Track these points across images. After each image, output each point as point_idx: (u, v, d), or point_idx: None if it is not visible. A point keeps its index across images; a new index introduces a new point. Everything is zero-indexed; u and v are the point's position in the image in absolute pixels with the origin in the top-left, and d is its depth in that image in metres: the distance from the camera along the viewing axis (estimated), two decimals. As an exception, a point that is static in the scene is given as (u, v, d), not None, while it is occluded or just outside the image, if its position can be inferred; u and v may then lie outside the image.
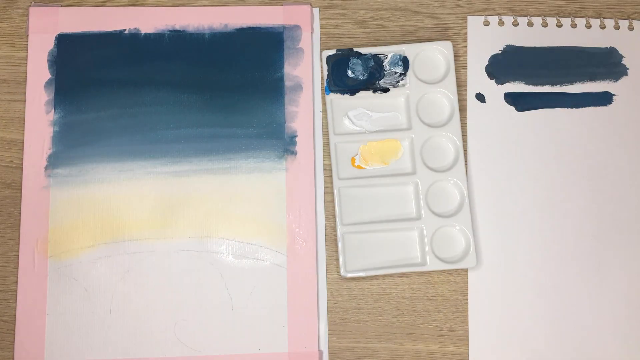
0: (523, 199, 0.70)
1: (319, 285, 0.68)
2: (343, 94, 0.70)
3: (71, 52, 0.71)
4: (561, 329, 0.68)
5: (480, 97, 0.72)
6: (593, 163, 0.71)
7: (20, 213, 0.68)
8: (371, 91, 0.70)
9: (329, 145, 0.70)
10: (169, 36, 0.71)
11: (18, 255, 0.67)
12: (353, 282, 0.69)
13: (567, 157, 0.71)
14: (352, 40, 0.73)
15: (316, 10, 0.73)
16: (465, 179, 0.69)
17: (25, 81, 0.70)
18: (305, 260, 0.68)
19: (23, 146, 0.69)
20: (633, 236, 0.70)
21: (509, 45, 0.73)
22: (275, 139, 0.70)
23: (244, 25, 0.72)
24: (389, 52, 0.71)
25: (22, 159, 0.69)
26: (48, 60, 0.70)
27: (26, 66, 0.70)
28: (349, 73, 0.70)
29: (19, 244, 0.67)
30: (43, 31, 0.71)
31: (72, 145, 0.69)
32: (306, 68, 0.71)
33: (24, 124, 0.69)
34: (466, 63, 0.72)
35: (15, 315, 0.66)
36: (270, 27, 0.72)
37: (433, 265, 0.67)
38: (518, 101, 0.72)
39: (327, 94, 0.70)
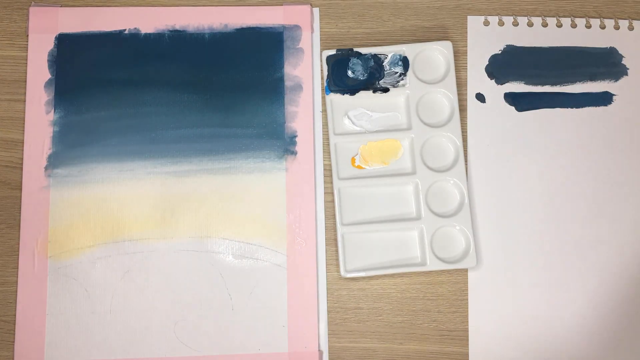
0: (523, 198, 0.70)
1: (319, 285, 0.68)
2: (343, 94, 0.70)
3: (71, 52, 0.71)
4: (561, 329, 0.68)
5: (480, 97, 0.72)
6: (593, 163, 0.71)
7: (20, 213, 0.68)
8: (371, 91, 0.70)
9: (329, 145, 0.70)
10: (169, 36, 0.71)
11: (18, 255, 0.67)
12: (353, 282, 0.69)
13: (567, 157, 0.71)
14: (352, 40, 0.73)
15: (316, 10, 0.73)
16: (465, 179, 0.69)
17: (25, 81, 0.70)
18: (305, 260, 0.68)
19: (23, 146, 0.69)
20: (633, 236, 0.70)
21: (509, 45, 0.73)
22: (275, 139, 0.70)
23: (244, 25, 0.72)
24: (389, 52, 0.71)
25: (22, 159, 0.69)
26: (48, 60, 0.70)
27: (26, 66, 0.70)
28: (349, 73, 0.70)
29: (19, 244, 0.67)
30: (43, 31, 0.71)
31: (72, 145, 0.69)
32: (306, 68, 0.71)
33: (24, 124, 0.69)
34: (466, 63, 0.72)
35: (15, 315, 0.66)
36: (270, 27, 0.72)
37: (433, 265, 0.67)
38: (518, 101, 0.72)
39: (327, 94, 0.70)
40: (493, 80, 0.72)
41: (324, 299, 0.68)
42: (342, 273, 0.67)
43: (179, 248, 0.68)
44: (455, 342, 0.68)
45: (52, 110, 0.69)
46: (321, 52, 0.71)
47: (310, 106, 0.70)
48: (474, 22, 0.73)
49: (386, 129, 0.71)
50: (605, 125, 0.71)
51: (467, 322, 0.68)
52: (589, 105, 0.72)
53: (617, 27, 0.73)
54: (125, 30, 0.71)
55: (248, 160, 0.69)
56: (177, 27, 0.71)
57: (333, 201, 0.69)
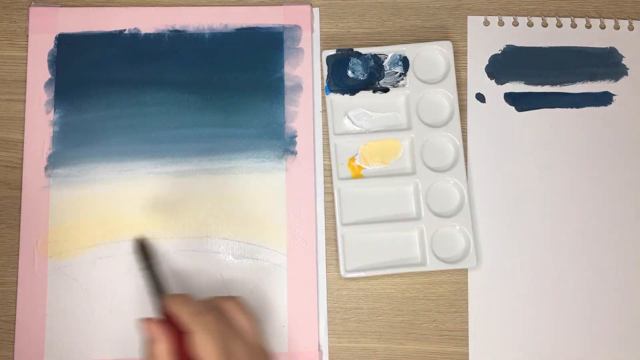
0: (523, 198, 0.70)
1: (319, 285, 0.68)
2: (343, 94, 0.70)
3: (71, 52, 0.71)
4: (561, 329, 0.68)
5: (480, 97, 0.72)
6: (593, 163, 0.71)
7: (20, 213, 0.68)
8: (371, 91, 0.70)
9: (329, 145, 0.70)
10: (169, 36, 0.71)
11: (18, 255, 0.67)
12: (353, 282, 0.69)
13: (567, 157, 0.71)
14: (352, 40, 0.73)
15: (316, 10, 0.73)
16: (465, 179, 0.69)
17: (25, 81, 0.70)
18: (305, 260, 0.68)
19: (23, 146, 0.69)
20: (633, 236, 0.70)
21: (509, 45, 0.73)
22: (275, 139, 0.70)
23: (244, 25, 0.72)
24: (389, 52, 0.71)
25: (22, 159, 0.69)
26: (48, 60, 0.70)
27: (26, 66, 0.70)
28: (349, 73, 0.70)
29: (19, 244, 0.67)
30: (43, 31, 0.71)
31: (72, 145, 0.69)
32: (306, 68, 0.71)
33: (24, 124, 0.69)
34: (466, 63, 0.72)
35: (15, 315, 0.66)
36: (270, 27, 0.72)
37: (433, 265, 0.67)
38: (518, 101, 0.72)
39: (327, 94, 0.70)
40: (493, 80, 0.72)
41: (324, 299, 0.68)
42: (342, 273, 0.67)
43: (179, 248, 0.68)
44: (455, 342, 0.68)
45: (52, 110, 0.69)
46: (321, 52, 0.71)
47: (310, 106, 0.70)
48: (474, 22, 0.73)
49: (386, 129, 0.71)
50: (605, 125, 0.71)
51: (467, 322, 0.68)
52: (589, 105, 0.72)
53: (617, 27, 0.73)
54: (125, 30, 0.71)
55: (248, 160, 0.69)
56: (177, 27, 0.71)
57: (333, 201, 0.69)
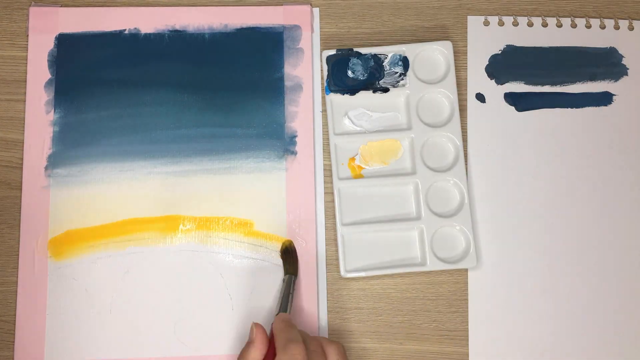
0: (523, 199, 0.70)
1: (319, 285, 0.68)
2: (343, 94, 0.70)
3: (71, 52, 0.71)
4: (561, 329, 0.68)
5: (480, 97, 0.72)
6: (593, 163, 0.71)
7: (20, 213, 0.68)
8: (371, 91, 0.70)
9: (329, 145, 0.70)
10: (169, 36, 0.71)
11: (18, 255, 0.67)
12: (353, 282, 0.69)
13: (567, 157, 0.71)
14: (352, 40, 0.73)
15: (316, 10, 0.73)
16: (465, 179, 0.69)
17: (25, 81, 0.70)
18: (305, 260, 0.68)
19: (23, 146, 0.69)
20: (634, 236, 0.70)
21: (509, 45, 0.73)
22: (275, 139, 0.70)
23: (244, 25, 0.72)
24: (389, 52, 0.71)
25: (22, 159, 0.69)
26: (48, 60, 0.70)
27: (26, 66, 0.70)
28: (349, 73, 0.70)
29: (19, 244, 0.67)
30: (43, 31, 0.71)
31: (72, 145, 0.69)
32: (306, 68, 0.71)
33: (24, 124, 0.69)
34: (466, 63, 0.72)
35: (15, 315, 0.66)
36: (270, 27, 0.72)
37: (433, 265, 0.67)
38: (518, 101, 0.72)
39: (327, 94, 0.70)
40: (493, 80, 0.72)
41: (324, 299, 0.68)
42: (342, 273, 0.67)
43: (179, 248, 0.68)
44: (455, 342, 0.68)
45: (52, 110, 0.69)
46: (321, 52, 0.71)
47: (310, 106, 0.70)
48: (474, 22, 0.73)
49: (386, 129, 0.71)
50: (605, 125, 0.71)
51: (467, 322, 0.68)
52: (589, 105, 0.72)
53: (617, 27, 0.73)
54: (125, 30, 0.71)
55: (248, 160, 0.69)
56: (177, 27, 0.71)
57: (333, 201, 0.69)
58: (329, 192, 0.70)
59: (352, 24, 0.73)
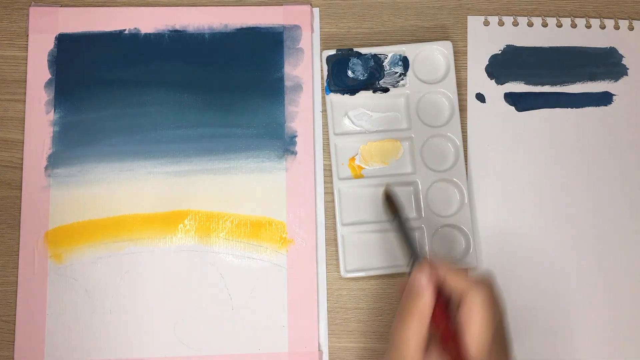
0: (523, 198, 0.70)
1: (319, 285, 0.68)
2: (343, 94, 0.70)
3: (71, 52, 0.71)
4: (561, 329, 0.68)
5: (480, 97, 0.72)
6: (593, 163, 0.71)
7: (20, 213, 0.68)
8: (371, 91, 0.70)
9: (329, 145, 0.70)
10: (169, 36, 0.71)
11: (18, 255, 0.67)
12: (353, 282, 0.69)
13: (567, 157, 0.71)
14: (352, 40, 0.73)
15: (316, 10, 0.73)
16: (465, 179, 0.69)
17: (25, 81, 0.70)
18: (305, 260, 0.68)
19: (23, 146, 0.69)
20: (633, 236, 0.70)
21: (509, 45, 0.73)
22: (275, 139, 0.70)
23: (244, 25, 0.72)
24: (389, 52, 0.71)
25: (22, 159, 0.69)
26: (48, 60, 0.70)
27: (26, 66, 0.70)
28: (349, 73, 0.70)
29: (19, 244, 0.67)
30: (43, 31, 0.71)
31: (72, 145, 0.69)
32: (306, 68, 0.71)
33: (24, 124, 0.69)
34: (466, 63, 0.72)
35: (15, 315, 0.66)
36: (270, 27, 0.72)
37: (433, 265, 0.67)
38: (518, 101, 0.72)
39: (327, 94, 0.70)
40: (493, 80, 0.72)
41: (324, 299, 0.68)
42: (342, 273, 0.67)
43: (179, 248, 0.68)
44: (455, 342, 0.68)
45: (52, 110, 0.69)
46: (321, 52, 0.71)
47: (310, 106, 0.70)
48: (474, 22, 0.73)
49: (386, 129, 0.71)
50: (605, 125, 0.71)
51: (467, 322, 0.68)
52: (589, 105, 0.72)
53: (617, 27, 0.73)
54: (125, 30, 0.71)
55: (248, 160, 0.69)
56: (177, 27, 0.72)
57: (333, 201, 0.69)
58: (329, 192, 0.70)
59: (352, 24, 0.73)
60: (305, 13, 0.72)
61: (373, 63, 0.71)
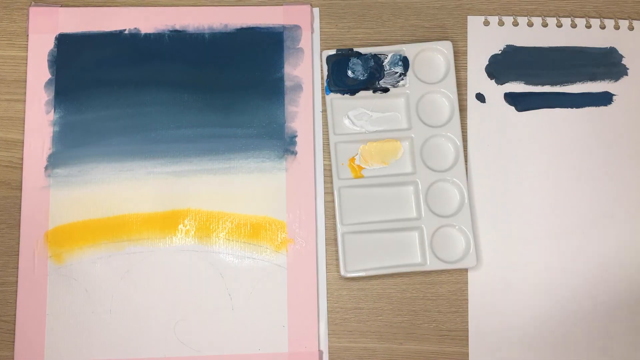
0: (523, 198, 0.70)
1: (319, 285, 0.68)
2: (343, 94, 0.70)
3: (71, 52, 0.71)
4: (561, 328, 0.68)
5: (480, 97, 0.72)
6: (593, 163, 0.71)
7: (20, 213, 0.68)
8: (371, 91, 0.70)
9: (329, 145, 0.70)
10: (169, 36, 0.71)
11: (18, 255, 0.67)
12: (353, 282, 0.69)
13: (567, 157, 0.71)
14: (352, 40, 0.73)
15: (316, 10, 0.73)
16: (465, 179, 0.69)
17: (25, 81, 0.70)
18: (305, 260, 0.68)
19: (23, 146, 0.69)
20: (634, 235, 0.70)
21: (509, 45, 0.73)
22: (275, 139, 0.70)
23: (244, 25, 0.72)
24: (389, 52, 0.71)
25: (22, 159, 0.69)
26: (48, 60, 0.70)
27: (26, 66, 0.70)
28: (349, 73, 0.70)
29: (19, 244, 0.67)
30: (43, 31, 0.71)
31: (72, 145, 0.69)
32: (306, 68, 0.71)
33: (24, 124, 0.69)
34: (466, 63, 0.72)
35: (15, 315, 0.66)
36: (270, 27, 0.72)
37: (433, 265, 0.67)
38: (518, 101, 0.72)
39: (327, 94, 0.70)
40: (493, 80, 0.72)
41: (324, 299, 0.68)
42: (342, 273, 0.67)
43: (178, 248, 0.68)
44: (455, 342, 0.68)
45: (52, 110, 0.69)
46: (321, 52, 0.71)
47: (310, 106, 0.70)
48: (474, 22, 0.73)
49: (386, 129, 0.71)
50: (605, 125, 0.71)
51: (467, 322, 0.68)
52: (589, 105, 0.72)
53: (617, 27, 0.73)
54: (125, 30, 0.71)
55: (248, 160, 0.69)
56: (177, 27, 0.71)
57: (333, 201, 0.69)
58: (329, 192, 0.70)
59: (352, 24, 0.73)
60: (305, 13, 0.72)
61: (373, 63, 0.71)
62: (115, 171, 0.69)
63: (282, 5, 0.72)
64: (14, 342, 0.66)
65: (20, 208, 0.68)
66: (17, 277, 0.67)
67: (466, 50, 0.72)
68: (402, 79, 0.71)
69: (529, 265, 0.69)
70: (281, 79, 0.71)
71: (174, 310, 0.67)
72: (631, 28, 0.73)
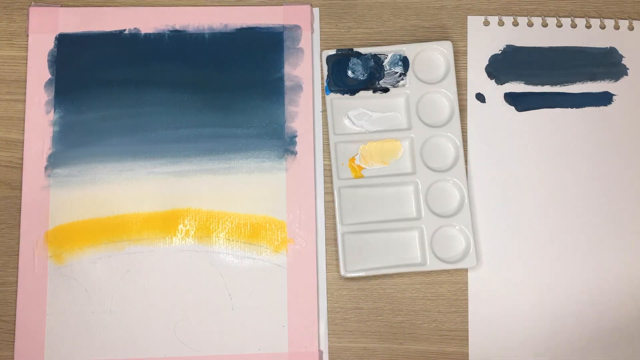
0: (523, 198, 0.70)
1: (319, 285, 0.68)
2: (343, 94, 0.70)
3: (71, 52, 0.71)
4: (561, 328, 0.68)
5: (480, 97, 0.72)
6: (593, 163, 0.71)
7: (20, 213, 0.68)
8: (371, 91, 0.70)
9: (329, 145, 0.70)
10: (169, 36, 0.71)
11: (18, 255, 0.67)
12: (353, 282, 0.69)
13: (567, 157, 0.71)
14: (352, 40, 0.73)
15: (316, 10, 0.73)
16: (465, 179, 0.69)
17: (25, 81, 0.70)
18: (305, 260, 0.68)
19: (23, 146, 0.69)
20: (633, 236, 0.70)
21: (509, 45, 0.73)
22: (275, 139, 0.70)
23: (244, 25, 0.72)
24: (389, 52, 0.71)
25: (22, 159, 0.69)
26: (48, 60, 0.70)
27: (26, 66, 0.70)
28: (349, 73, 0.70)
29: (19, 244, 0.67)
30: (43, 31, 0.71)
31: (72, 145, 0.69)
32: (306, 68, 0.71)
33: (24, 124, 0.69)
34: (466, 63, 0.72)
35: (15, 315, 0.66)
36: (270, 27, 0.72)
37: (433, 265, 0.67)
38: (518, 101, 0.72)
39: (327, 94, 0.70)
40: (493, 80, 0.72)
41: (324, 299, 0.68)
42: (342, 273, 0.67)
43: (178, 248, 0.68)
44: (455, 342, 0.68)
45: (52, 110, 0.69)
46: (321, 52, 0.71)
47: (310, 106, 0.70)
48: (474, 22, 0.73)
49: (386, 129, 0.71)
50: (605, 125, 0.71)
51: (467, 322, 0.68)
52: (589, 105, 0.72)
53: (617, 27, 0.73)
54: (125, 30, 0.71)
55: (248, 160, 0.69)
56: (177, 27, 0.72)
57: (333, 201, 0.69)
58: (329, 192, 0.70)
59: (352, 24, 0.73)
60: (305, 13, 0.72)
61: (373, 63, 0.71)
62: (116, 171, 0.69)
63: (282, 5, 0.72)
64: (14, 342, 0.66)
65: (20, 208, 0.68)
66: (17, 277, 0.67)
67: (466, 50, 0.72)
68: (402, 79, 0.71)
69: (529, 265, 0.69)
70: (281, 79, 0.71)
71: (174, 310, 0.67)
72: (631, 28, 0.73)
